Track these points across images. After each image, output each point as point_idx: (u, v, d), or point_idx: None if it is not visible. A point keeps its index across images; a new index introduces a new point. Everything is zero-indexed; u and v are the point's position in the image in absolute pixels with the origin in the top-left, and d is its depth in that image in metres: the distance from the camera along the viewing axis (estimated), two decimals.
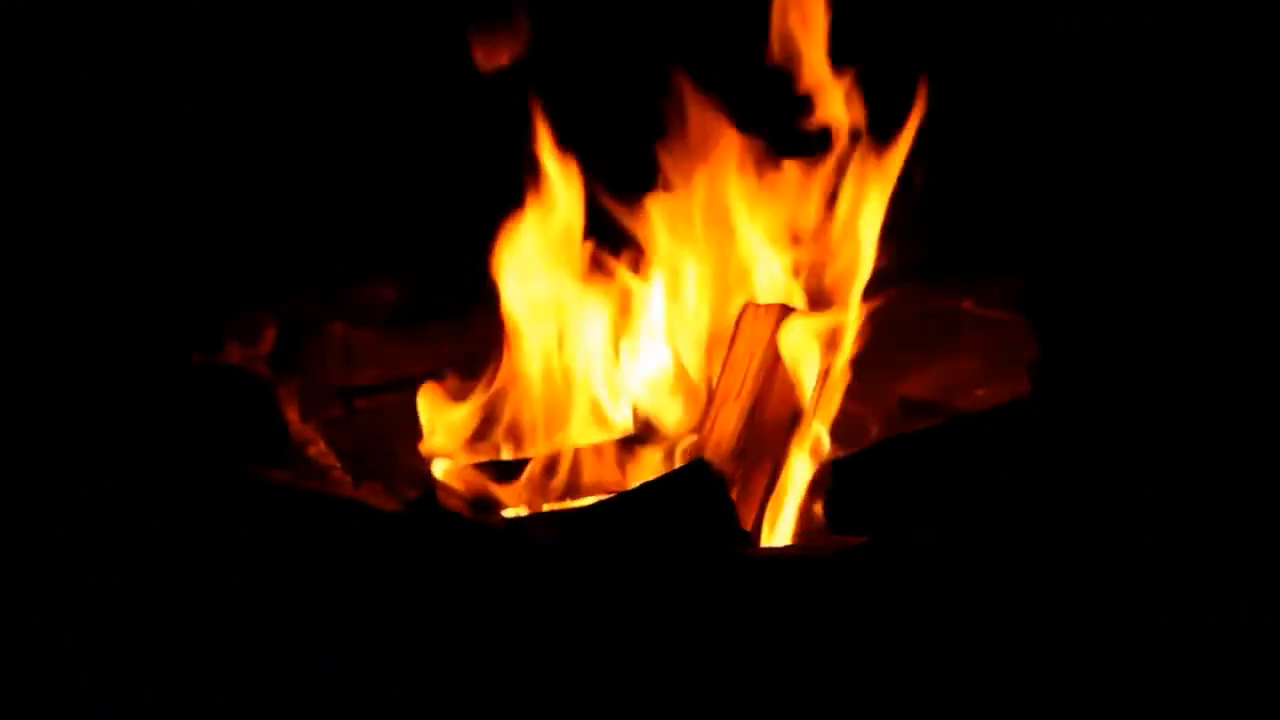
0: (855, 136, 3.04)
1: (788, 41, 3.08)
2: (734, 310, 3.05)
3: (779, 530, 2.93)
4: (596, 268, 3.14)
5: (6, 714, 2.51)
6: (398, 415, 3.30)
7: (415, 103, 3.63)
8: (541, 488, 2.96)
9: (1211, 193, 3.33)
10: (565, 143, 3.13)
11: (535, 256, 3.12)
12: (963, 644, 2.43)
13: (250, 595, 2.56)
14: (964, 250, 3.37)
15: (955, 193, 3.38)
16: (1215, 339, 2.99)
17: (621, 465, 3.01)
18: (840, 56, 3.07)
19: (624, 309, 3.13)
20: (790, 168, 3.07)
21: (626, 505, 2.65)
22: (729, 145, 3.08)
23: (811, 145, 3.07)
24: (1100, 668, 2.42)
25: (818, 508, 2.88)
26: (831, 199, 3.05)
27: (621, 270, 3.13)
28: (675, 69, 3.10)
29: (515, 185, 3.16)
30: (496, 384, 3.09)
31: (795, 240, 3.07)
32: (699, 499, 2.61)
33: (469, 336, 3.47)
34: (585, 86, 3.29)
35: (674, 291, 3.13)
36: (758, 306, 3.01)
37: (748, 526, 2.78)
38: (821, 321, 2.93)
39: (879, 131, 3.04)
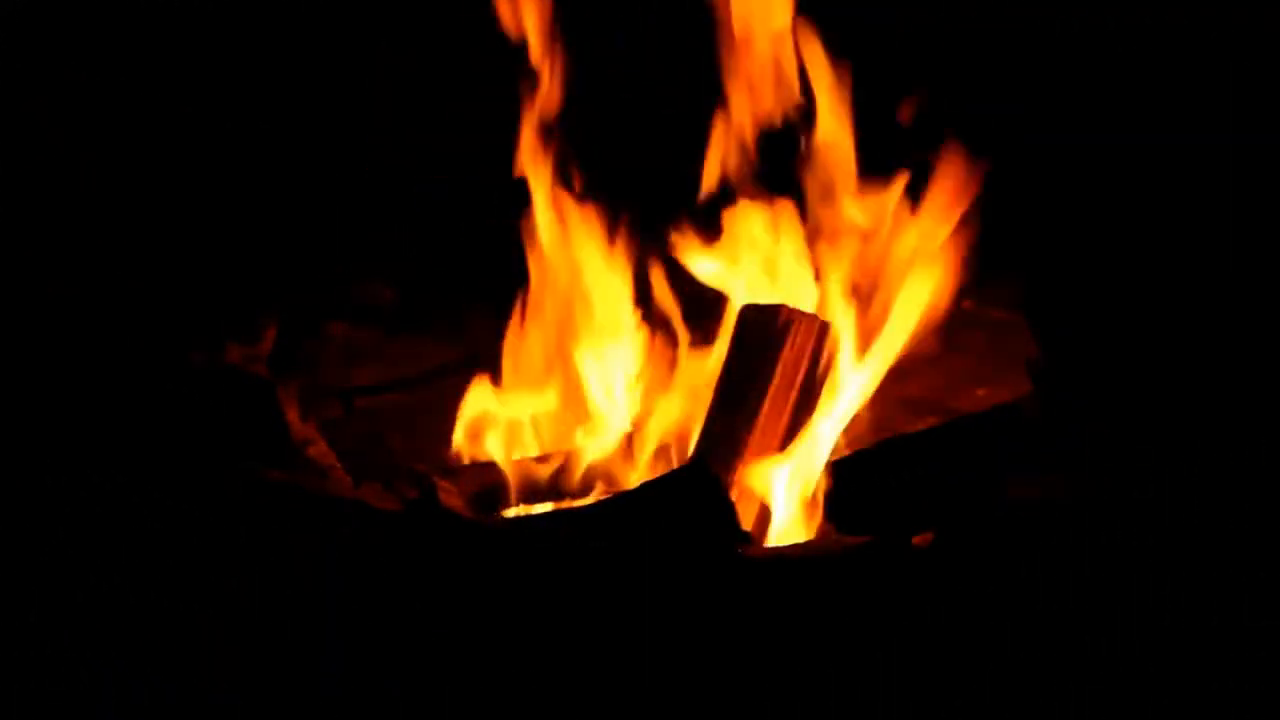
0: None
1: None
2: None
3: (779, 530, 2.93)
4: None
5: (7, 714, 2.51)
6: (398, 415, 3.31)
7: (415, 103, 3.64)
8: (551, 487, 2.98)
9: (1211, 193, 3.33)
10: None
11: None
12: (963, 644, 2.43)
13: (250, 595, 2.55)
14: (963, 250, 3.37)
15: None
16: (1215, 338, 2.99)
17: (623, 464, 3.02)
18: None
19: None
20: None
21: (626, 505, 2.65)
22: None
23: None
24: (1100, 668, 2.42)
25: (818, 508, 2.89)
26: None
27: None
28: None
29: (513, 186, 3.17)
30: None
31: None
32: (699, 499, 2.61)
33: (469, 337, 3.48)
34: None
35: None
36: (758, 307, 3.01)
37: (748, 526, 2.78)
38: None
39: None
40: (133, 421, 2.82)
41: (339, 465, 2.96)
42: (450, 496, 2.86)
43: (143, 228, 3.42)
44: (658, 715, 2.44)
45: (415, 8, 3.62)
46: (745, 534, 2.64)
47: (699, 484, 2.63)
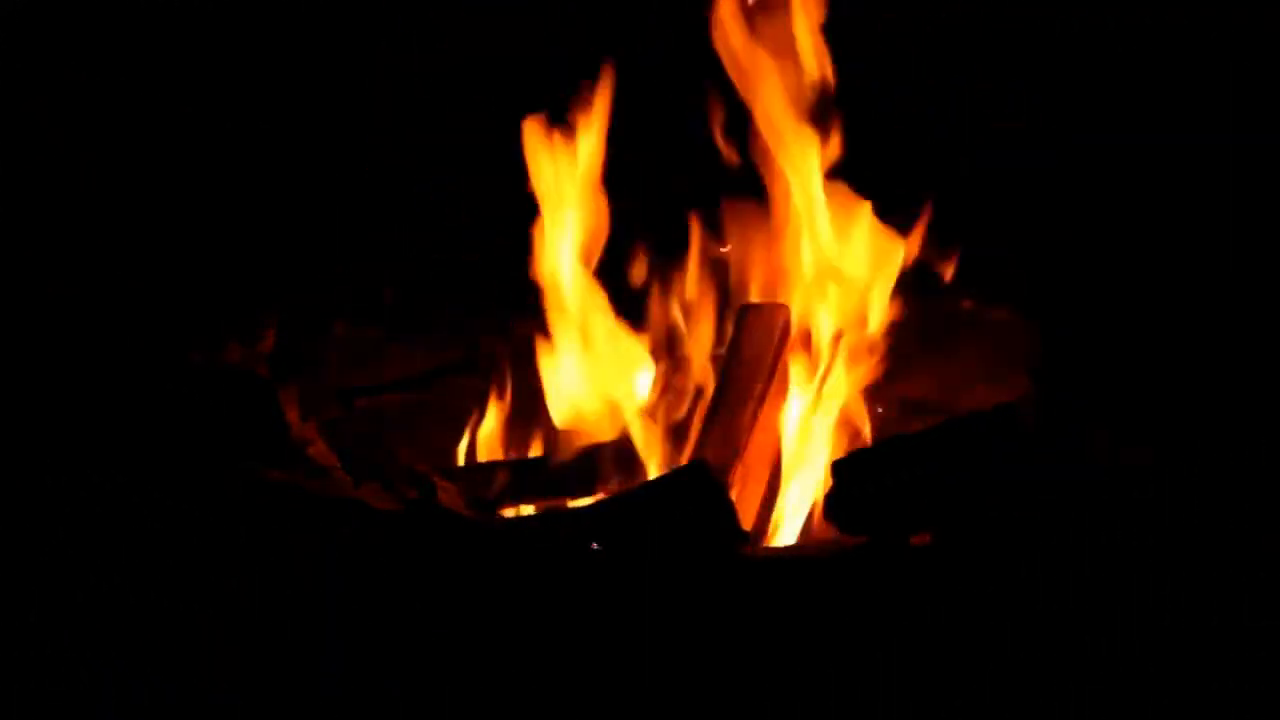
0: None
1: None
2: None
3: (779, 530, 2.93)
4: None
5: (7, 714, 2.51)
6: (398, 415, 3.31)
7: (415, 103, 3.64)
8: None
9: (1211, 193, 3.33)
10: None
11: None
12: (963, 644, 2.43)
13: (250, 595, 2.55)
14: (964, 250, 3.37)
15: (954, 195, 3.39)
16: (1215, 338, 2.99)
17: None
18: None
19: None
20: None
21: (626, 505, 2.65)
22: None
23: None
24: (1100, 668, 2.42)
25: (817, 508, 2.89)
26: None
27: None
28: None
29: (516, 185, 3.17)
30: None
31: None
32: (699, 499, 2.61)
33: (469, 337, 3.48)
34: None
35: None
36: (758, 307, 3.01)
37: (748, 526, 2.78)
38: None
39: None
40: (133, 421, 2.82)
41: (339, 465, 2.96)
42: (450, 496, 2.86)
43: (143, 228, 3.41)
44: (658, 715, 2.44)
45: (415, 8, 3.62)
46: (745, 534, 2.64)
47: (699, 484, 2.63)
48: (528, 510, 3.03)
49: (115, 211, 3.42)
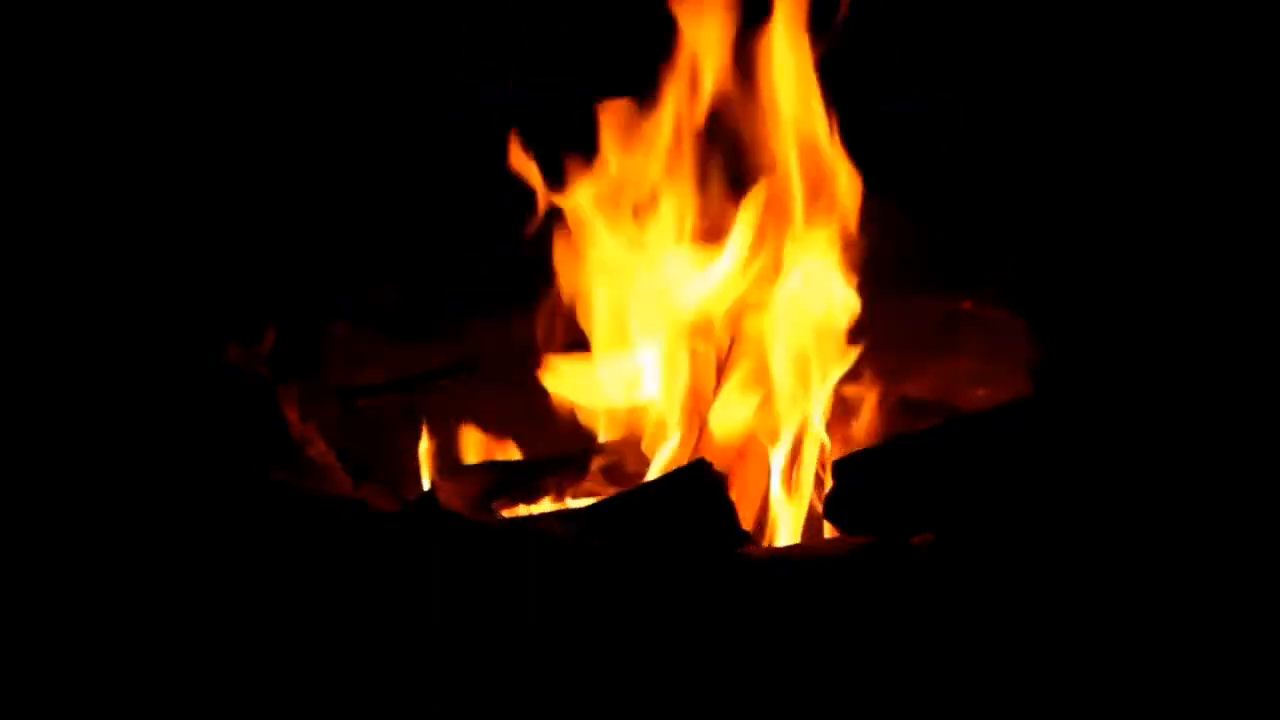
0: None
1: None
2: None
3: (779, 530, 2.93)
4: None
5: (6, 714, 2.51)
6: (398, 415, 3.31)
7: (415, 102, 3.64)
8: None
9: (1211, 193, 3.33)
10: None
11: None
12: (963, 644, 2.43)
13: (250, 595, 2.55)
14: (964, 250, 3.38)
15: (954, 193, 3.39)
16: (1215, 338, 2.99)
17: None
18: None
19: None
20: None
21: (627, 505, 2.65)
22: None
23: None
24: (1100, 668, 2.42)
25: (818, 508, 2.89)
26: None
27: None
28: None
29: (514, 186, 3.17)
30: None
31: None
32: (699, 499, 2.61)
33: (470, 339, 3.48)
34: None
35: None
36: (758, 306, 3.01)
37: (748, 526, 2.78)
38: None
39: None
40: (133, 421, 2.82)
41: (339, 465, 2.96)
42: (450, 496, 2.86)
43: (143, 228, 3.41)
44: (658, 715, 2.44)
45: (415, 8, 3.62)
46: (745, 534, 2.64)
47: (699, 484, 2.63)
48: (527, 511, 3.03)
49: (115, 212, 3.42)
